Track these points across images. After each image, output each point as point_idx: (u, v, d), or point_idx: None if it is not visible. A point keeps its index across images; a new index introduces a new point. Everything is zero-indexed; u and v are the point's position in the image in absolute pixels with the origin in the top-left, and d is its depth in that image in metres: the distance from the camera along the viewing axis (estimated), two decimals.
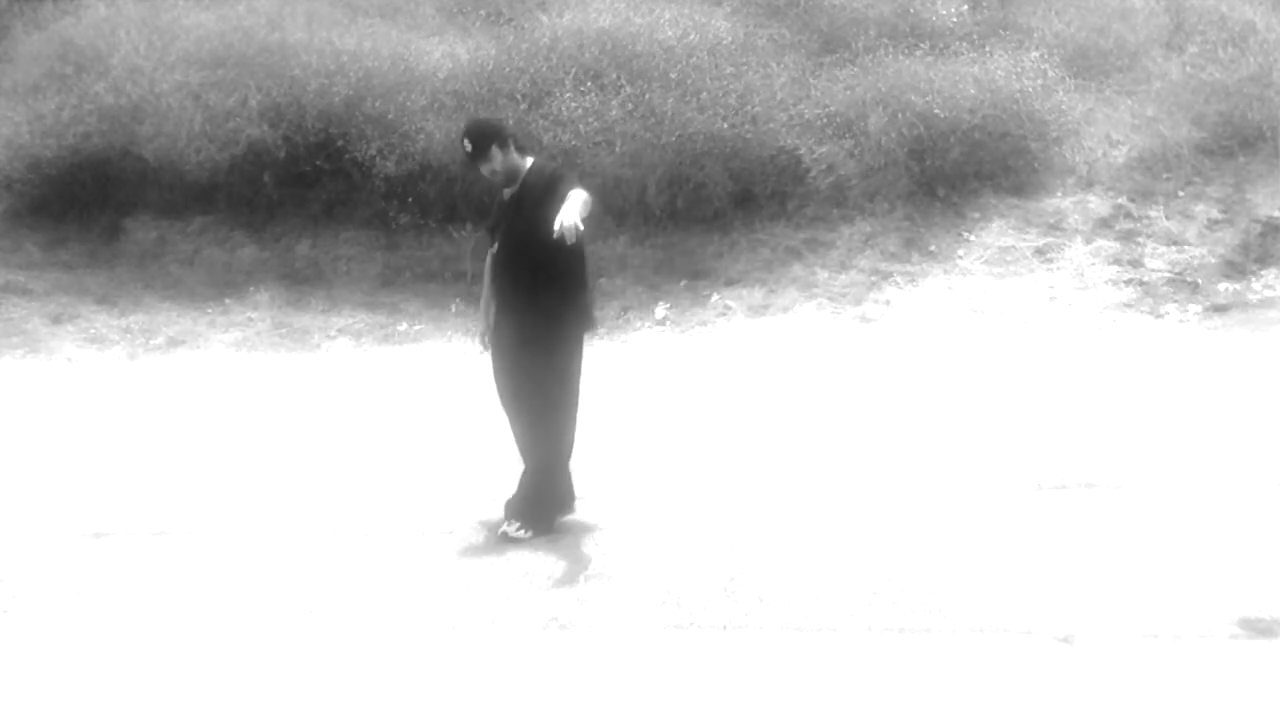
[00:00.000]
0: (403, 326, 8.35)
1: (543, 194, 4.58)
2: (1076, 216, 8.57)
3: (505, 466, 4.86)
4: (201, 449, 6.13)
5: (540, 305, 4.65)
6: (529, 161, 4.75)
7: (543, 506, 4.77)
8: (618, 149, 8.57)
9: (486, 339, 4.90)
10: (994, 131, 8.85)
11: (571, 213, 4.27)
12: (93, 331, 8.33)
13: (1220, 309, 7.65)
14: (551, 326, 4.65)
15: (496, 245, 4.75)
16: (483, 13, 9.95)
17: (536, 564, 4.48)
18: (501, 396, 4.81)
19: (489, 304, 4.89)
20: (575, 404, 4.78)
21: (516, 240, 4.67)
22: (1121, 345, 7.23)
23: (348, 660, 3.79)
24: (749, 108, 8.79)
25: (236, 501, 5.33)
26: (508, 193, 4.75)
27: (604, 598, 4.15)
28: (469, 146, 4.69)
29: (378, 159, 8.90)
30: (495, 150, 4.65)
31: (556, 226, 4.25)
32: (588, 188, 4.57)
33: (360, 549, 4.69)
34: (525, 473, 4.76)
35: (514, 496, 4.79)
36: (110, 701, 3.57)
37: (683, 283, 8.48)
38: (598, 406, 6.50)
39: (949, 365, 7.01)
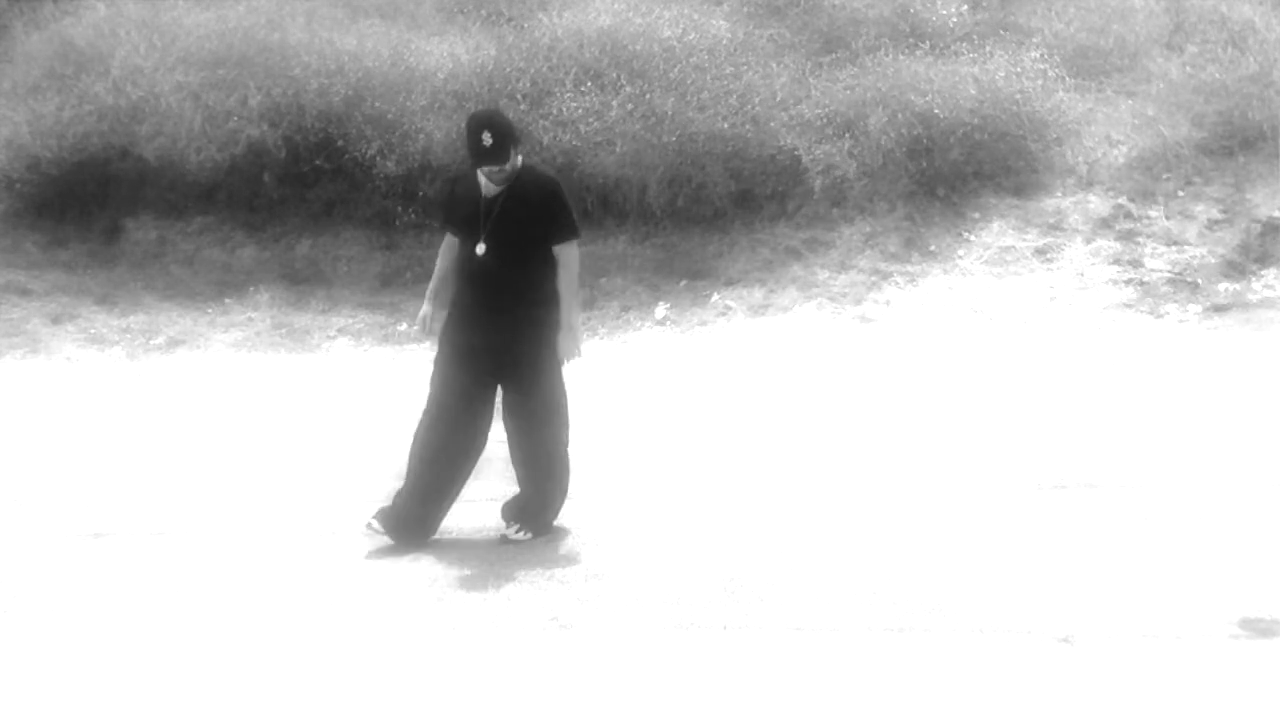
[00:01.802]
0: (403, 326, 8.35)
1: (538, 206, 4.55)
2: (1076, 216, 8.57)
3: (503, 469, 4.85)
4: (201, 449, 6.13)
5: (530, 314, 4.57)
6: (519, 160, 4.63)
7: (543, 509, 4.78)
8: (618, 149, 8.57)
9: (430, 324, 4.74)
10: (994, 131, 8.85)
11: (566, 338, 4.58)
12: (93, 331, 8.33)
13: (1220, 309, 7.65)
14: (542, 334, 4.60)
15: (484, 247, 4.55)
16: (483, 13, 9.94)
17: (536, 564, 4.48)
18: (460, 401, 4.62)
19: (438, 288, 4.77)
20: (568, 408, 4.77)
21: (507, 243, 4.54)
22: (1121, 345, 7.22)
23: (348, 660, 3.79)
24: (749, 108, 8.79)
25: (236, 501, 5.33)
26: (491, 190, 4.56)
27: (604, 598, 4.15)
28: (489, 141, 4.41)
29: (378, 159, 8.90)
30: (512, 151, 4.50)
31: (564, 359, 4.59)
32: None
33: (360, 549, 4.69)
34: (538, 474, 4.74)
35: (512, 499, 4.79)
36: (110, 702, 3.57)
37: (683, 283, 8.48)
38: (598, 407, 6.49)
39: (949, 365, 7.01)
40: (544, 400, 4.65)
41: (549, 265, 4.60)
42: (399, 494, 4.72)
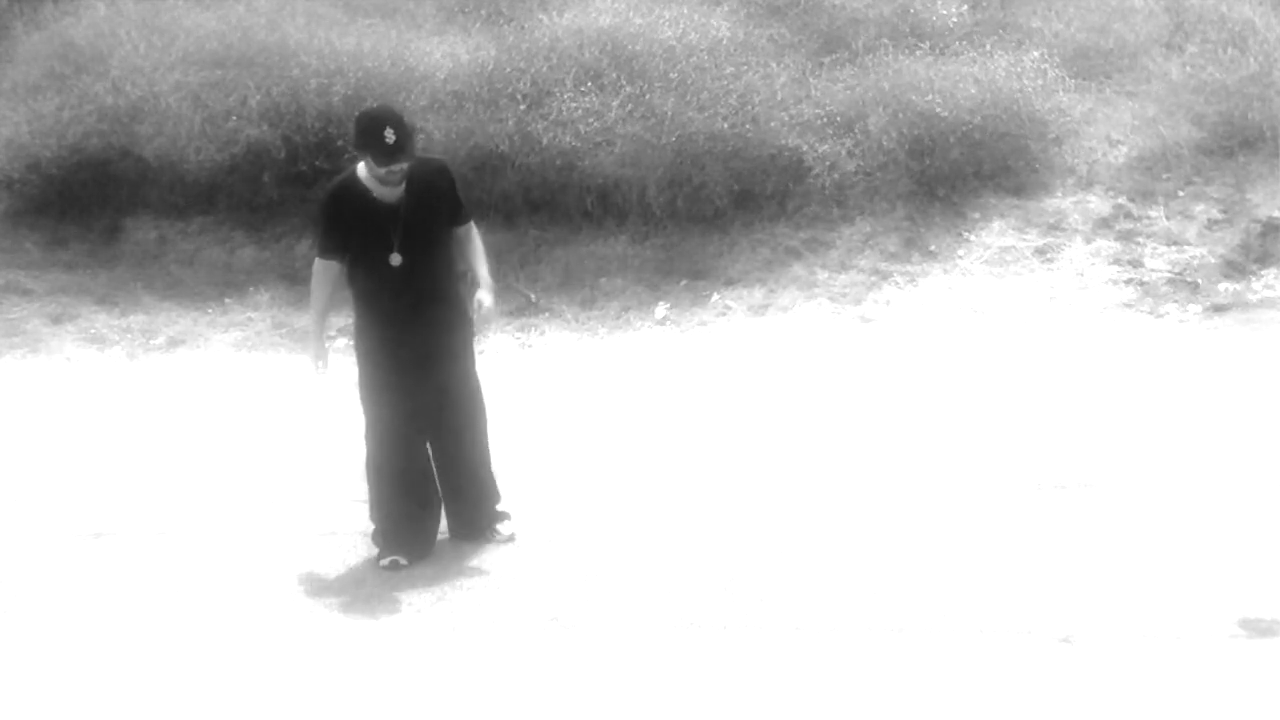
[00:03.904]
0: None
1: (439, 193, 4.49)
2: (1076, 216, 8.57)
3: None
4: (202, 449, 6.13)
5: (459, 307, 4.55)
6: None
7: (494, 497, 4.79)
8: (618, 149, 8.56)
9: (324, 363, 4.63)
10: (994, 131, 8.83)
11: (489, 295, 4.43)
12: (93, 331, 8.32)
13: (1220, 309, 7.65)
14: (465, 330, 4.62)
15: (399, 257, 4.35)
16: (483, 13, 9.93)
17: (536, 564, 4.48)
18: (410, 409, 4.57)
19: (323, 322, 4.62)
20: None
21: (421, 245, 4.40)
22: (1121, 345, 7.22)
23: (349, 660, 3.79)
24: (749, 108, 8.78)
25: (237, 502, 5.34)
26: (391, 194, 4.39)
27: (604, 598, 4.15)
28: (391, 138, 4.18)
29: None
30: (411, 147, 4.34)
31: (475, 307, 4.40)
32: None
33: (360, 549, 4.69)
34: (483, 475, 4.74)
35: (470, 515, 4.76)
36: (110, 702, 3.57)
37: (683, 283, 8.47)
38: (599, 407, 6.50)
39: (949, 365, 7.01)
40: (476, 394, 4.67)
41: (451, 253, 4.58)
42: (382, 518, 4.64)
